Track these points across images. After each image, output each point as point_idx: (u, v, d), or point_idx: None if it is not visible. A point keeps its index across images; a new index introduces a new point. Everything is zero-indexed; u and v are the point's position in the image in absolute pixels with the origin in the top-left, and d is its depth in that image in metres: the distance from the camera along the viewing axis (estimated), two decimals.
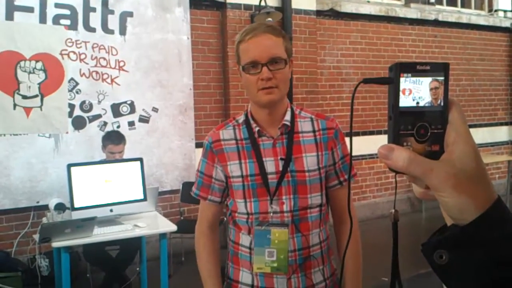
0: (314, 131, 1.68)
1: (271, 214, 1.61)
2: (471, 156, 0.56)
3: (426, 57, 7.39)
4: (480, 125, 8.09)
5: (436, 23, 7.46)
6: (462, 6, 8.17)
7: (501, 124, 8.42)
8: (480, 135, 8.04)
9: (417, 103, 0.60)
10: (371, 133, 6.69)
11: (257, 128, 1.65)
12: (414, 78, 0.60)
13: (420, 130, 0.59)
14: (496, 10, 8.16)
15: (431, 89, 0.60)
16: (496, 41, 8.20)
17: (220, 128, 1.72)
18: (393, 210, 0.71)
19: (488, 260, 0.53)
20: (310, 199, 1.64)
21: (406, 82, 0.60)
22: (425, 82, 0.60)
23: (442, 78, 0.60)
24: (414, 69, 0.60)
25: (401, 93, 0.59)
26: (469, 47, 7.88)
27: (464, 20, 7.73)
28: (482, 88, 8.11)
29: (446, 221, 0.60)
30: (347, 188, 1.70)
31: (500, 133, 8.40)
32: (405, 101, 0.60)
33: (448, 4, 7.97)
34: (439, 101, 0.60)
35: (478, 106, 8.08)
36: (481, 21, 7.94)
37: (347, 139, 1.80)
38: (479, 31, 7.97)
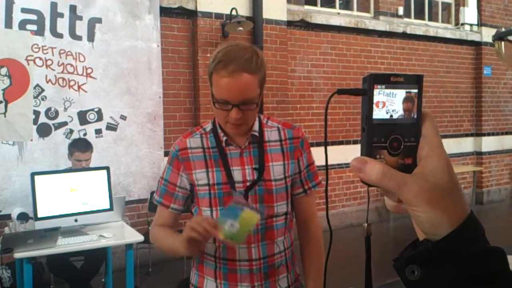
0: (280, 140, 1.70)
1: None
2: (444, 170, 0.56)
3: (394, 69, 7.52)
4: (446, 136, 8.26)
5: (404, 35, 7.60)
6: (430, 19, 8.35)
7: (467, 135, 8.62)
8: (446, 146, 8.02)
9: (391, 116, 0.59)
10: (340, 143, 6.75)
11: (224, 138, 1.65)
12: (387, 90, 0.59)
13: (393, 143, 0.58)
14: (462, 24, 8.37)
15: (404, 102, 0.59)
16: (463, 54, 8.41)
17: (187, 137, 1.71)
18: (365, 224, 0.70)
19: (460, 275, 0.52)
20: (276, 207, 1.65)
21: (380, 94, 0.59)
22: (399, 95, 0.59)
23: (416, 90, 0.59)
24: (387, 80, 0.59)
25: (374, 106, 0.58)
26: (436, 59, 8.06)
27: (431, 33, 7.91)
28: (449, 99, 8.29)
29: (418, 235, 0.59)
30: (311, 197, 1.74)
31: (465, 144, 8.59)
32: (378, 113, 0.59)
33: (416, 17, 8.14)
34: (412, 114, 0.59)
35: (444, 118, 8.25)
36: (448, 35, 8.14)
37: (313, 149, 1.81)
38: (446, 44, 8.17)
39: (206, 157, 1.66)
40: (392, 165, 0.58)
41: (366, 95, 0.59)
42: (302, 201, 1.74)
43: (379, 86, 0.58)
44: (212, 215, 1.63)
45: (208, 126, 1.72)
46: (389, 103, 0.59)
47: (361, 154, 0.59)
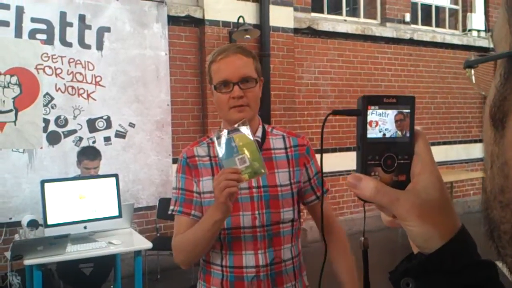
0: (285, 148, 1.72)
1: (243, 229, 1.62)
2: (436, 186, 0.58)
3: (401, 75, 7.52)
4: (455, 142, 8.23)
5: (411, 42, 7.60)
6: (437, 25, 8.35)
7: (475, 141, 8.58)
8: (454, 152, 8.17)
9: (384, 135, 0.61)
10: (348, 149, 6.74)
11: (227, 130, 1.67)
12: (380, 111, 0.61)
13: (387, 160, 0.61)
14: (470, 30, 8.36)
15: (396, 121, 0.62)
16: None
17: (194, 145, 1.74)
18: (362, 238, 0.71)
19: (453, 287, 0.54)
20: (283, 213, 1.66)
21: (373, 114, 0.62)
22: (391, 114, 0.62)
23: (408, 110, 0.62)
24: (381, 101, 0.62)
25: (368, 125, 0.61)
26: (443, 65, 8.04)
27: (438, 39, 7.90)
28: (457, 106, 8.26)
29: (413, 249, 0.62)
30: (325, 202, 1.73)
31: (474, 150, 8.54)
32: (372, 132, 0.61)
33: (423, 23, 8.14)
34: (405, 132, 0.61)
35: (452, 124, 8.23)
36: (455, 41, 8.12)
37: (317, 155, 1.82)
38: (453, 50, 8.14)
39: (213, 165, 1.68)
40: (387, 182, 0.60)
41: (360, 115, 0.62)
42: (317, 207, 1.75)
43: (372, 107, 0.61)
44: None
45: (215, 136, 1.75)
46: (382, 123, 0.62)
47: (356, 171, 0.62)
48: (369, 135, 0.62)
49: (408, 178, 0.60)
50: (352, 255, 1.76)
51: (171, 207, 1.72)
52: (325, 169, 1.80)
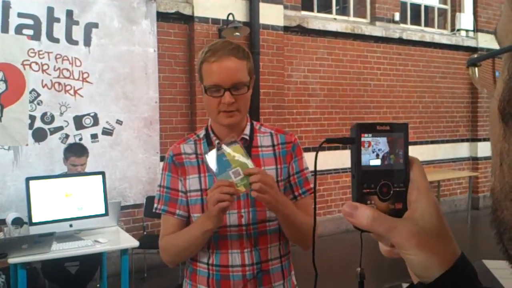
0: (273, 145, 1.70)
1: (229, 228, 1.61)
2: (433, 214, 0.57)
3: (390, 74, 7.55)
4: (442, 141, 8.28)
5: (401, 41, 7.63)
6: (426, 25, 8.38)
7: (463, 140, 8.64)
8: (442, 151, 8.22)
9: (377, 154, 0.61)
10: (337, 148, 6.75)
11: (217, 141, 1.66)
12: (374, 138, 0.61)
13: (383, 188, 0.60)
14: (458, 30, 8.41)
15: (388, 141, 0.61)
16: (458, 60, 8.44)
17: (181, 143, 1.72)
18: (359, 269, 0.70)
19: None
20: (268, 212, 1.63)
21: (367, 142, 0.61)
22: (385, 142, 0.62)
23: (402, 137, 0.62)
24: (374, 129, 0.61)
25: (363, 151, 0.61)
26: (432, 65, 8.08)
27: (427, 39, 7.94)
28: (445, 105, 8.31)
29: (412, 279, 0.60)
30: (303, 202, 1.70)
31: (461, 150, 8.60)
32: (367, 160, 0.61)
33: (412, 23, 8.17)
34: (399, 159, 0.61)
35: (440, 123, 8.27)
36: (444, 40, 8.17)
37: (310, 154, 1.80)
38: (442, 49, 8.19)
39: (199, 162, 1.66)
40: (383, 210, 0.60)
41: (354, 143, 0.61)
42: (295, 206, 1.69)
43: (366, 135, 0.61)
44: None
45: (202, 133, 1.73)
46: (374, 143, 0.61)
47: (352, 200, 0.61)
48: (363, 163, 0.61)
49: (404, 206, 0.60)
50: (307, 222, 1.61)
51: (155, 205, 1.72)
52: (312, 168, 1.76)
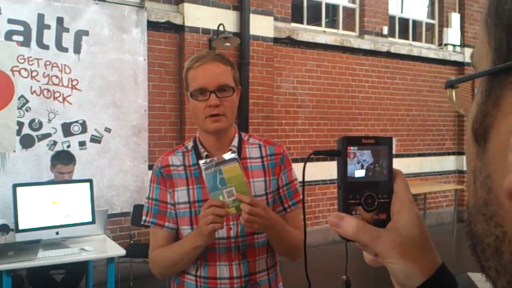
0: (262, 157, 1.70)
1: (218, 240, 1.60)
2: (415, 224, 0.59)
3: (378, 87, 7.63)
4: (429, 154, 8.36)
5: (389, 54, 7.72)
6: (414, 39, 8.50)
7: (449, 153, 8.73)
8: (428, 164, 8.30)
9: (362, 165, 0.63)
10: (325, 159, 6.79)
11: (205, 153, 1.66)
12: (360, 151, 0.64)
13: (368, 199, 0.63)
14: (445, 44, 8.53)
15: (373, 155, 0.64)
16: (445, 74, 8.56)
17: (169, 154, 1.72)
18: (344, 277, 0.72)
19: None
20: None
21: (352, 154, 0.64)
22: (370, 155, 0.64)
23: (386, 151, 0.64)
24: (359, 142, 0.64)
25: (349, 163, 0.63)
26: (419, 78, 8.18)
27: (415, 52, 8.05)
28: (431, 118, 8.41)
29: (395, 287, 0.62)
30: (293, 214, 1.71)
31: (447, 163, 8.70)
32: (353, 172, 0.63)
33: (400, 37, 8.28)
34: (384, 171, 0.63)
35: (427, 136, 8.36)
36: (431, 54, 8.28)
37: (298, 164, 1.81)
38: (429, 63, 8.31)
39: (188, 174, 1.66)
40: (368, 220, 0.62)
41: (340, 155, 0.64)
42: (284, 218, 1.68)
43: (352, 148, 0.63)
44: None
45: (190, 144, 1.73)
46: (360, 154, 0.64)
47: (338, 210, 0.63)
48: (349, 175, 0.63)
49: (388, 217, 0.62)
50: (298, 240, 1.66)
51: (144, 218, 1.71)
52: (301, 178, 1.78)
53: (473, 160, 0.37)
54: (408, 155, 8.01)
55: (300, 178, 1.80)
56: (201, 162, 1.51)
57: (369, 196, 0.63)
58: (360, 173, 0.63)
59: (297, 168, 1.80)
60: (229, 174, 1.47)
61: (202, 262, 1.62)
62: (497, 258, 0.34)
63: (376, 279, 4.95)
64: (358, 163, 0.63)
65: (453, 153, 8.80)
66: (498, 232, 0.34)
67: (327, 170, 6.61)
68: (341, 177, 0.64)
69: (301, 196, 1.73)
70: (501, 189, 0.32)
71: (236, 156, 1.51)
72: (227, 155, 1.50)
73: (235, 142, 1.69)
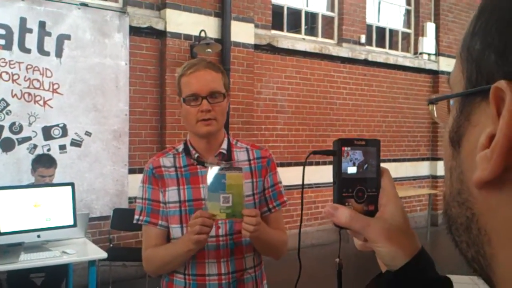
0: (249, 160, 1.81)
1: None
2: (399, 214, 0.71)
3: (356, 94, 7.78)
4: (404, 160, 8.55)
5: (366, 62, 7.89)
6: (390, 48, 8.69)
7: (423, 159, 8.94)
8: (403, 169, 8.48)
9: (354, 163, 0.74)
10: (302, 164, 6.91)
11: (196, 155, 1.75)
12: (352, 151, 0.75)
13: (359, 193, 0.73)
14: (421, 53, 8.75)
15: (364, 154, 0.75)
16: (421, 82, 8.78)
17: (160, 156, 1.80)
18: (337, 259, 0.83)
19: None
20: None
21: (346, 153, 0.75)
22: (361, 154, 0.75)
23: (375, 151, 0.76)
24: (352, 143, 0.75)
25: (343, 161, 0.74)
26: (395, 86, 8.37)
27: (391, 61, 8.24)
28: (407, 125, 8.60)
29: (382, 268, 0.74)
30: (277, 214, 1.83)
31: (422, 168, 8.90)
32: (346, 169, 0.74)
33: (377, 45, 8.46)
34: (373, 169, 0.74)
35: (402, 142, 8.55)
36: (407, 63, 8.49)
37: (280, 168, 1.92)
38: (405, 71, 8.51)
39: (178, 175, 1.74)
40: (359, 211, 0.72)
41: (336, 155, 0.74)
42: (268, 218, 1.81)
43: (346, 148, 0.74)
44: (182, 231, 1.70)
45: (180, 147, 1.81)
46: (352, 153, 0.75)
47: (333, 202, 0.74)
48: (343, 171, 0.73)
49: (376, 208, 0.73)
50: (283, 240, 1.82)
51: (136, 217, 1.77)
52: (283, 182, 1.91)
53: (449, 160, 0.46)
54: (383, 161, 8.08)
55: (284, 182, 1.92)
56: (209, 162, 1.60)
57: (360, 190, 0.73)
58: (352, 170, 0.74)
59: (281, 172, 1.91)
60: (231, 181, 1.55)
61: (190, 260, 1.69)
62: (467, 233, 0.44)
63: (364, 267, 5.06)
64: (351, 161, 0.74)
65: (427, 159, 9.01)
66: (468, 213, 0.43)
67: (306, 174, 6.69)
68: (336, 174, 0.74)
69: (285, 198, 1.86)
70: (471, 182, 0.42)
71: (242, 167, 1.61)
72: (235, 164, 1.59)
73: (225, 145, 1.78)
